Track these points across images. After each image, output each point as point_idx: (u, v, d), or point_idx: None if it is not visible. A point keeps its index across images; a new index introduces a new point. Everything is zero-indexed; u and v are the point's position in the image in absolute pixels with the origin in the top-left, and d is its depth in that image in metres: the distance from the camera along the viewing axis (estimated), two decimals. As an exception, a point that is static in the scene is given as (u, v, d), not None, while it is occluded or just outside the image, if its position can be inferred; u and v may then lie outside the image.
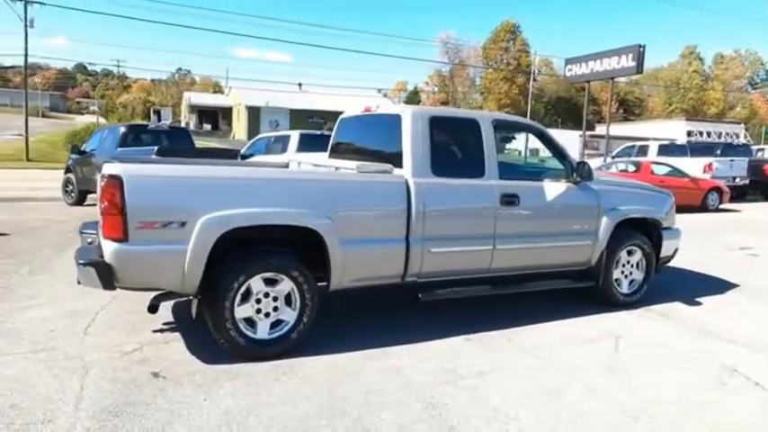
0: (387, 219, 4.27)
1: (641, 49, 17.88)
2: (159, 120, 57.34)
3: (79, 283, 3.71)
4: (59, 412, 3.10)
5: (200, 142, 32.70)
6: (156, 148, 10.35)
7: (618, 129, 50.55)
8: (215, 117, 58.39)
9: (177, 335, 4.34)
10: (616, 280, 5.51)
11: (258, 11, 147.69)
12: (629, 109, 71.87)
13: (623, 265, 5.55)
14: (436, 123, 4.61)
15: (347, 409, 3.28)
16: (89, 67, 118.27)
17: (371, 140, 5.14)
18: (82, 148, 12.58)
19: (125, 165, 3.55)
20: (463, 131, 4.76)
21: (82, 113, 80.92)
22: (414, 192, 4.33)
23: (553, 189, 4.99)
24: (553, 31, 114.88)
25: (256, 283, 3.89)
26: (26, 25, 34.51)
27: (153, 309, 3.95)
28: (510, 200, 4.74)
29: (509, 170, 4.95)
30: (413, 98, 73.18)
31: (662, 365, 4.10)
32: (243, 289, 3.83)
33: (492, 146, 4.77)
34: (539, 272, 5.13)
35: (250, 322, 3.92)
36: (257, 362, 3.86)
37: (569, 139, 29.33)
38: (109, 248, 3.50)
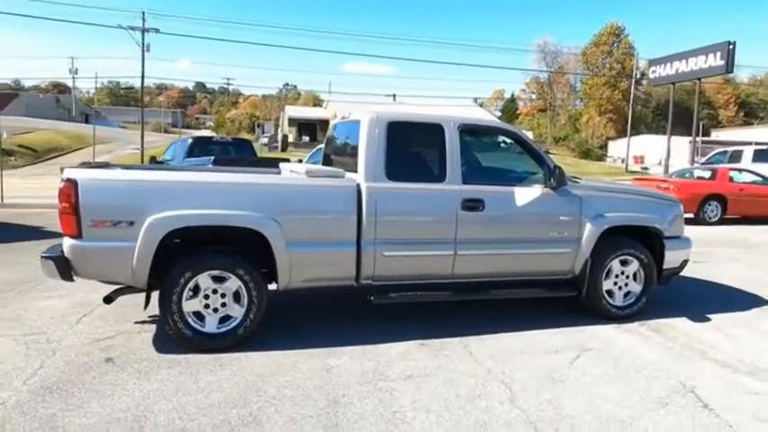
0: (336, 222, 4.40)
1: (731, 47, 16.33)
2: (263, 132, 60.72)
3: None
4: (7, 386, 3.54)
5: (296, 154, 34.47)
6: (212, 157, 11.16)
7: (734, 134, 46.37)
8: (313, 129, 60.86)
9: (154, 326, 4.73)
10: (608, 291, 5.21)
11: (364, 26, 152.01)
12: (753, 112, 65.59)
13: (616, 276, 5.24)
14: (396, 128, 4.67)
15: (253, 400, 3.44)
16: (208, 86, 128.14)
17: (344, 147, 5.29)
18: (159, 159, 13.82)
19: (81, 170, 3.99)
20: (426, 136, 4.77)
21: (199, 128, 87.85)
22: (365, 196, 4.42)
23: (525, 194, 4.85)
24: (660, 33, 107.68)
25: (204, 280, 4.17)
26: (143, 50, 38.28)
27: (108, 300, 4.34)
28: (473, 205, 4.67)
29: (478, 175, 4.88)
30: (510, 106, 71.80)
31: (611, 381, 3.86)
32: (190, 284, 4.13)
33: (456, 150, 4.73)
34: (512, 279, 4.98)
35: (199, 316, 4.21)
36: (207, 353, 4.13)
37: (675, 146, 27.36)
38: (66, 244, 3.94)
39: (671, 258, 5.41)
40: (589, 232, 5.01)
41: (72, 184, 3.88)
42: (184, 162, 11.88)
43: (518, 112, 70.79)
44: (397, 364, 4.06)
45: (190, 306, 4.16)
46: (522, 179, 4.97)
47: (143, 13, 37.94)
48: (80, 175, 3.93)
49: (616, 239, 5.21)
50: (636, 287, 5.30)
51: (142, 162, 34.10)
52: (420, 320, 5.00)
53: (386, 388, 3.67)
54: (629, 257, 5.23)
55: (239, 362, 4.03)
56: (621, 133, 50.35)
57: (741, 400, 3.61)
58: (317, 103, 68.41)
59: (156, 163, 13.50)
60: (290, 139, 58.21)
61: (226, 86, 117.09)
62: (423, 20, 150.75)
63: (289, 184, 4.50)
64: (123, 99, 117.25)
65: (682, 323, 5.17)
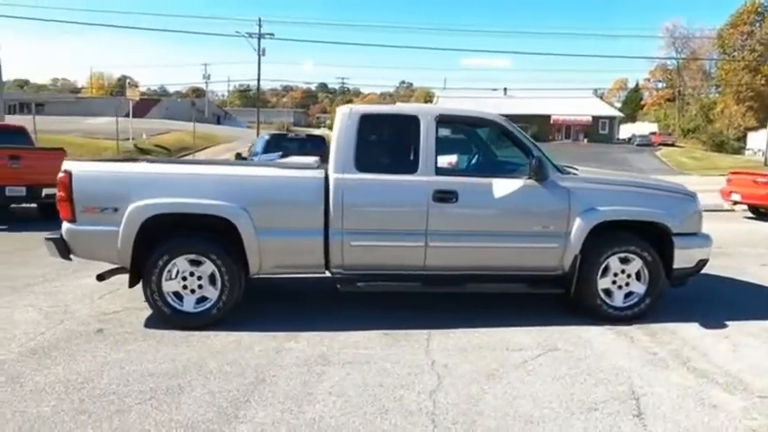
0: (303, 212, 4.58)
1: None
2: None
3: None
4: (5, 347, 4.14)
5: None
6: (280, 153, 11.79)
7: None
8: (422, 125, 61.15)
9: (158, 305, 5.22)
10: (605, 291, 4.89)
11: (481, 21, 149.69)
12: None
13: (615, 275, 4.89)
14: (369, 121, 4.75)
15: (192, 373, 3.73)
16: (330, 86, 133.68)
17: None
18: (244, 155, 14.79)
19: (75, 162, 4.54)
20: (401, 128, 4.80)
21: (318, 127, 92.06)
22: (332, 187, 4.56)
23: (504, 186, 4.70)
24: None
25: (182, 263, 4.56)
26: (259, 55, 40.90)
27: (100, 278, 4.85)
28: (445, 196, 4.62)
29: (455, 166, 4.81)
30: (633, 96, 67.04)
31: (554, 382, 3.67)
32: (169, 267, 4.53)
33: (431, 141, 4.70)
34: (492, 273, 4.85)
35: (179, 296, 4.60)
36: (187, 330, 4.51)
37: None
38: (64, 227, 4.51)
39: (683, 258, 4.94)
40: (578, 227, 4.74)
41: (67, 175, 4.43)
42: (260, 157, 12.66)
43: (642, 102, 65.92)
44: (347, 351, 4.16)
45: (169, 286, 4.56)
46: (504, 171, 4.81)
47: (259, 19, 40.54)
48: (74, 167, 4.47)
49: (614, 235, 4.87)
50: (639, 287, 4.92)
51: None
52: (397, 311, 5.04)
53: (318, 371, 3.80)
54: (631, 255, 4.86)
55: (206, 339, 4.36)
56: (764, 123, 45.06)
57: (689, 412, 3.28)
58: (428, 99, 68.62)
59: (241, 158, 14.49)
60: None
61: (345, 86, 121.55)
62: (541, 12, 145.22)
63: (259, 176, 4.76)
64: (252, 101, 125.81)
65: (686, 329, 4.72)
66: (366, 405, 3.32)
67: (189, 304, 4.61)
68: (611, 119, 55.43)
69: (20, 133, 11.34)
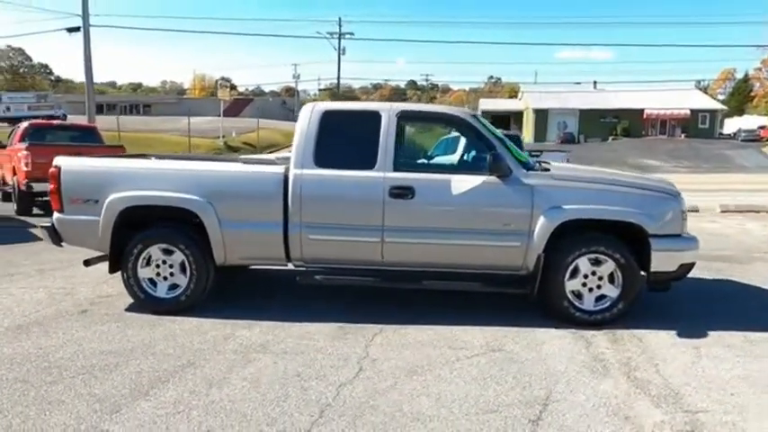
0: (265, 205, 4.76)
1: None
2: (455, 126, 61.17)
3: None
4: (-3, 322, 4.67)
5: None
6: None
7: None
8: (506, 121, 59.90)
9: (151, 291, 5.63)
10: (574, 293, 4.68)
11: (577, 12, 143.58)
12: None
13: (585, 277, 4.67)
14: (331, 117, 4.85)
15: (137, 353, 4.01)
16: (419, 83, 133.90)
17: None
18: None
19: (64, 158, 4.99)
20: (362, 124, 4.83)
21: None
22: (291, 182, 4.71)
23: (463, 183, 4.62)
24: None
25: (155, 252, 4.89)
26: (339, 54, 41.81)
27: (86, 263, 5.28)
28: (401, 192, 4.63)
29: (414, 162, 4.79)
30: (741, 87, 61.59)
31: (472, 383, 3.59)
32: (143, 255, 4.88)
33: (391, 137, 4.72)
34: (452, 271, 4.78)
35: (153, 282, 4.95)
36: (159, 315, 4.84)
37: None
38: (54, 216, 4.99)
39: (662, 261, 4.62)
40: (542, 225, 4.57)
41: (57, 169, 4.90)
42: None
43: (752, 94, 60.40)
44: (290, 341, 4.29)
45: (144, 273, 4.91)
46: (466, 167, 4.73)
47: (339, 19, 41.43)
48: (63, 162, 4.93)
49: (583, 235, 4.64)
50: (612, 291, 4.66)
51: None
52: (363, 305, 5.12)
53: (250, 358, 3.96)
54: (602, 257, 4.61)
55: (171, 323, 4.66)
56: None
57: (593, 423, 3.10)
58: (512, 95, 67.05)
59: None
60: (483, 131, 58.06)
61: (433, 83, 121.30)
62: (641, 1, 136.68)
63: (224, 171, 4.99)
64: (341, 99, 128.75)
65: (657, 336, 4.42)
66: (270, 392, 3.44)
67: (162, 290, 4.94)
68: (713, 112, 51.36)
69: (91, 132, 12.47)
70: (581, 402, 3.32)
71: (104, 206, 4.79)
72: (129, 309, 5.00)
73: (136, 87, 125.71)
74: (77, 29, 19.09)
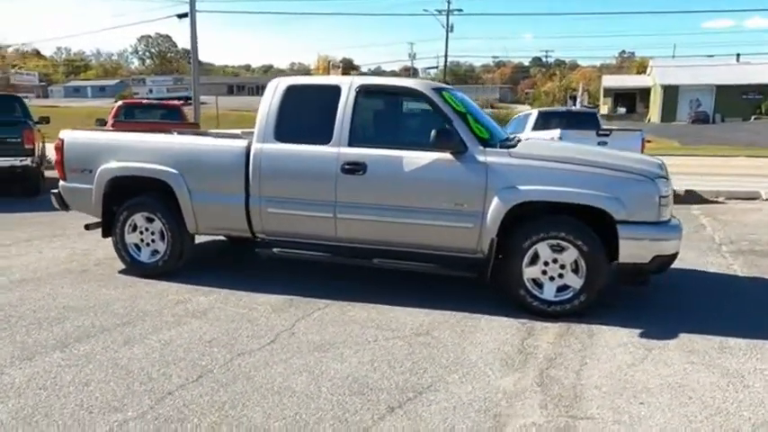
0: (227, 178, 4.91)
1: None
2: (574, 104, 58.43)
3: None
4: (7, 275, 5.30)
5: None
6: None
7: None
8: (632, 99, 55.66)
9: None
10: (534, 281, 4.34)
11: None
12: None
13: (546, 264, 4.31)
14: (294, 92, 4.87)
15: (90, 310, 4.37)
16: (545, 59, 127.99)
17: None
18: None
19: (68, 131, 5.48)
20: (323, 99, 4.78)
21: (523, 103, 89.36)
22: (252, 156, 4.82)
23: (415, 159, 4.44)
24: None
25: (139, 219, 5.26)
26: (447, 31, 41.17)
27: (86, 227, 5.75)
28: (353, 168, 4.55)
29: (370, 138, 4.67)
30: None
31: (367, 365, 3.50)
32: (129, 222, 5.27)
33: (348, 112, 4.65)
34: (404, 250, 4.63)
35: (138, 248, 5.34)
36: (143, 278, 5.23)
37: None
38: (60, 184, 5.53)
39: (631, 251, 4.14)
40: (495, 207, 4.27)
41: (61, 141, 5.42)
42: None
43: None
44: (230, 310, 4.44)
45: (131, 239, 5.31)
46: (422, 143, 4.52)
47: (448, -5, 40.62)
48: (66, 135, 5.44)
49: (544, 219, 4.28)
50: (575, 281, 4.26)
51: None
52: (325, 280, 5.13)
53: (183, 322, 4.16)
54: (564, 243, 4.22)
55: (144, 285, 5.00)
56: None
57: (453, 416, 2.90)
58: (641, 70, 61.81)
59: None
60: (605, 110, 54.60)
61: (562, 60, 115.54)
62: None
63: (194, 144, 5.20)
64: (463, 77, 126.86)
65: (612, 333, 3.99)
66: (170, 355, 3.60)
67: (145, 255, 5.31)
68: None
69: (176, 110, 13.54)
70: (459, 395, 3.11)
71: (96, 176, 5.23)
72: (122, 271, 5.43)
73: (267, 69, 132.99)
74: (186, 15, 20.63)
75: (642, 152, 11.04)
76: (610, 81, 56.67)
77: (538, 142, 5.06)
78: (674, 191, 11.89)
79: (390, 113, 5.01)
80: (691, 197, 11.26)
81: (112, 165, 5.17)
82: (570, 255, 4.23)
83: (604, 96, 55.92)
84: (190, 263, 5.48)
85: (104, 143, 5.35)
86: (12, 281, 5.13)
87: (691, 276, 5.57)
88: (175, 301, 4.63)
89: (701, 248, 6.71)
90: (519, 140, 5.08)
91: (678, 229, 4.27)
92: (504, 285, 4.41)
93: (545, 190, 4.20)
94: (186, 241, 5.21)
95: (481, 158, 4.34)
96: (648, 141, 13.70)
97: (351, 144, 4.61)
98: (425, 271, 4.59)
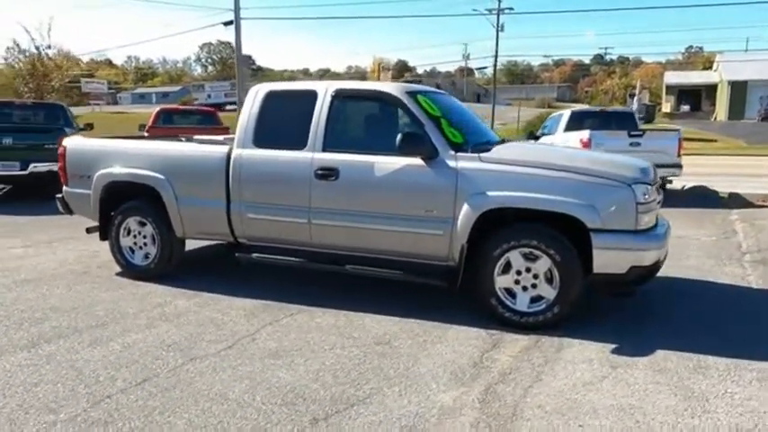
0: (209, 184, 4.99)
1: None
2: (632, 102, 56.27)
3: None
4: (12, 276, 5.57)
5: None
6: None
7: None
8: (696, 97, 52.96)
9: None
10: (506, 290, 4.18)
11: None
12: None
13: (519, 273, 4.13)
14: (273, 97, 4.89)
15: (72, 311, 4.53)
16: (607, 56, 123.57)
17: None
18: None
19: (71, 138, 5.72)
20: (300, 104, 4.77)
21: (581, 102, 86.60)
22: (232, 161, 4.88)
23: (387, 165, 4.37)
24: None
25: (132, 223, 5.43)
26: (497, 31, 40.51)
27: (88, 231, 5.95)
28: (326, 173, 4.52)
29: (345, 143, 4.62)
30: None
31: (305, 373, 3.46)
32: (123, 225, 5.45)
33: (323, 117, 4.63)
34: (376, 257, 4.55)
35: (132, 251, 5.50)
36: (137, 280, 5.39)
37: None
38: (63, 189, 5.78)
39: (606, 261, 3.91)
40: (465, 213, 4.14)
41: (64, 149, 5.66)
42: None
43: None
44: (203, 313, 4.49)
45: (125, 242, 5.49)
46: (393, 148, 4.42)
47: (499, -6, 39.96)
48: (69, 142, 5.68)
49: (515, 226, 4.11)
50: (549, 292, 4.06)
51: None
52: (305, 286, 5.11)
53: (153, 325, 4.24)
54: (537, 252, 4.04)
55: (133, 288, 5.14)
56: None
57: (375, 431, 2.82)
58: (707, 66, 58.62)
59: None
60: (667, 108, 52.22)
61: (626, 56, 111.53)
62: None
63: (179, 150, 5.30)
64: (520, 77, 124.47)
65: (581, 348, 3.78)
66: (127, 357, 3.67)
67: (138, 258, 5.47)
68: None
69: (211, 116, 13.94)
70: (391, 409, 3.01)
71: (94, 181, 5.43)
72: (119, 274, 5.61)
73: (323, 73, 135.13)
74: (231, 22, 21.23)
75: (679, 154, 10.51)
76: (672, 78, 54.08)
77: (517, 145, 4.85)
78: (717, 193, 11.41)
79: (365, 118, 4.95)
80: (734, 200, 10.60)
81: (107, 171, 5.35)
82: (543, 264, 4.04)
83: (667, 94, 53.45)
84: (186, 266, 5.63)
85: (101, 150, 5.55)
86: (15, 281, 5.39)
87: (696, 286, 5.22)
88: (155, 304, 4.73)
89: (722, 256, 6.27)
90: (502, 143, 4.90)
91: (658, 238, 4.00)
92: (477, 295, 4.26)
93: (515, 196, 4.03)
94: (176, 245, 5.32)
95: (452, 163, 4.21)
96: (714, 141, 12.90)
97: (325, 149, 4.58)
98: (396, 278, 4.50)
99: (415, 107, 4.42)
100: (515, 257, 4.10)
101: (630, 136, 10.46)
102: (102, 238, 5.62)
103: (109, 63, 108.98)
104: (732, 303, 4.78)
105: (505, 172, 4.11)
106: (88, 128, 13.07)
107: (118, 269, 5.65)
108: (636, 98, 39.19)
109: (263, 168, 4.78)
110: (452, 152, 4.25)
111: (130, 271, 5.47)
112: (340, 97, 4.67)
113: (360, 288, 5.00)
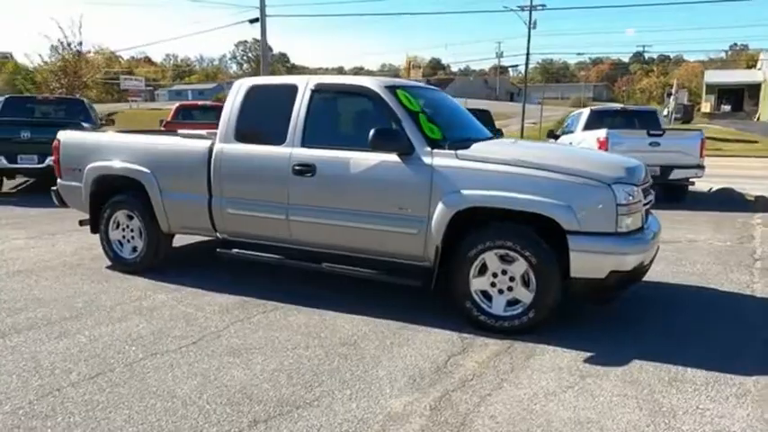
0: (192, 178, 4.96)
1: None
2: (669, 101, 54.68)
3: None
4: (8, 267, 5.67)
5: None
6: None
7: None
8: (739, 96, 51.14)
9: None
10: (482, 293, 4.02)
11: None
12: None
13: (495, 276, 3.97)
14: (255, 92, 4.83)
15: (51, 302, 4.56)
16: (648, 55, 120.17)
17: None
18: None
19: (64, 132, 5.78)
20: (281, 99, 4.68)
21: (617, 101, 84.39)
22: (213, 156, 4.84)
23: (363, 161, 4.26)
24: None
25: (121, 217, 5.45)
26: (529, 28, 39.84)
27: (81, 223, 6.00)
28: (303, 169, 4.44)
29: (324, 138, 4.51)
30: None
31: (261, 372, 3.38)
32: (113, 219, 5.48)
33: (302, 112, 4.54)
34: (352, 255, 4.44)
35: (121, 244, 5.53)
36: (123, 273, 5.42)
37: None
38: (57, 182, 5.85)
39: (583, 264, 3.71)
40: (439, 212, 3.99)
41: (58, 142, 5.73)
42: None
43: None
44: (179, 308, 4.46)
45: (114, 235, 5.52)
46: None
47: (529, -10, 39.23)
48: (62, 136, 5.74)
49: (491, 226, 3.95)
50: (525, 295, 3.89)
51: (521, 135, 35.60)
52: (286, 283, 5.05)
53: (125, 318, 4.24)
54: (512, 253, 3.87)
55: (118, 281, 5.16)
56: None
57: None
58: (751, 64, 56.43)
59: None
60: (707, 108, 50.56)
61: (666, 55, 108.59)
62: None
63: (163, 144, 5.29)
64: (555, 76, 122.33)
65: (553, 356, 3.61)
66: (88, 351, 3.65)
67: (126, 252, 5.49)
68: None
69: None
70: (336, 413, 2.91)
71: (84, 174, 5.47)
72: (110, 267, 5.65)
73: (357, 71, 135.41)
74: (257, 20, 21.40)
75: (702, 154, 10.09)
76: (713, 77, 52.29)
77: (501, 142, 4.64)
78: (743, 196, 10.90)
79: (344, 113, 4.84)
80: (761, 204, 10.14)
81: (97, 164, 5.38)
82: (520, 266, 3.86)
83: (707, 93, 51.73)
84: (179, 261, 5.67)
85: (93, 143, 5.59)
86: (7, 272, 5.47)
87: (693, 294, 4.95)
88: (135, 298, 4.73)
89: (731, 263, 5.95)
90: (489, 140, 4.73)
91: (643, 241, 3.78)
92: (452, 297, 4.11)
93: (489, 195, 3.87)
94: (162, 239, 5.32)
95: (427, 160, 4.07)
96: (755, 142, 12.34)
97: (303, 145, 4.49)
98: (371, 278, 4.38)
99: (393, 101, 4.29)
100: (491, 259, 3.94)
101: (650, 135, 10.08)
102: (93, 231, 5.66)
103: (148, 61, 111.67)
104: (727, 312, 4.50)
105: (481, 170, 3.95)
106: (110, 123, 13.31)
107: (109, 262, 5.69)
108: (672, 97, 37.96)
109: (242, 163, 4.73)
110: (428, 148, 4.11)
111: (119, 264, 5.50)
112: (320, 92, 4.57)
113: (343, 287, 4.89)
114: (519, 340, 3.83)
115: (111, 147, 5.43)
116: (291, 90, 4.64)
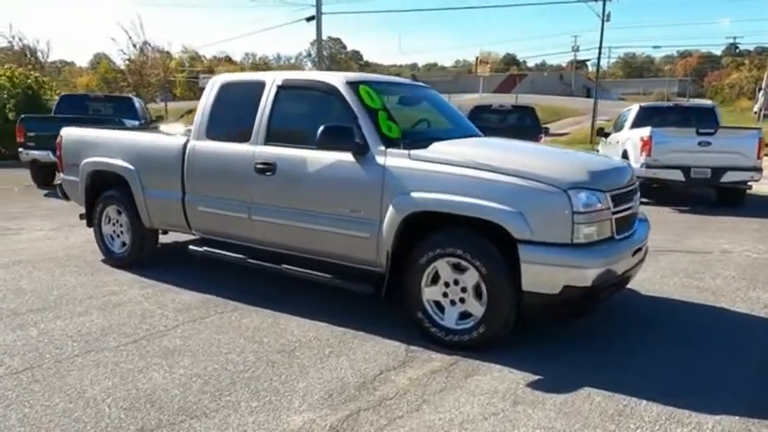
0: (168, 175, 4.95)
1: None
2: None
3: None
4: (8, 257, 5.93)
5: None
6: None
7: None
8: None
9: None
10: (434, 303, 3.75)
11: None
12: None
13: (447, 285, 3.69)
14: (226, 89, 4.77)
15: (34, 293, 4.71)
16: (743, 47, 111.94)
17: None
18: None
19: (66, 128, 5.95)
20: (250, 96, 4.57)
21: (710, 97, 78.91)
22: (186, 153, 4.82)
23: (319, 160, 4.08)
24: None
25: (112, 212, 5.56)
26: (603, 20, 37.95)
27: (81, 217, 6.15)
28: (265, 168, 4.32)
29: (289, 136, 4.37)
30: None
31: (172, 377, 3.28)
32: (105, 213, 5.60)
33: (267, 109, 4.42)
34: (308, 257, 4.27)
35: (112, 238, 5.64)
36: (114, 267, 5.54)
37: None
38: (60, 176, 6.05)
39: (534, 278, 3.35)
40: (390, 216, 3.75)
41: (61, 137, 5.92)
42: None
43: None
44: (142, 305, 4.46)
45: (106, 230, 5.64)
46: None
47: (604, -19, 37.35)
48: (63, 132, 5.92)
49: (442, 233, 3.66)
50: (477, 308, 3.58)
51: (591, 135, 34.19)
52: (258, 284, 4.94)
53: (87, 313, 4.28)
54: (463, 262, 3.57)
55: (103, 275, 5.26)
56: None
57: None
58: None
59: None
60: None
61: (764, 46, 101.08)
62: None
63: (145, 140, 5.31)
64: (638, 70, 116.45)
65: (497, 376, 3.30)
66: (32, 344, 3.69)
67: (116, 246, 5.60)
68: None
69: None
70: (229, 427, 2.75)
71: (80, 169, 5.62)
72: (104, 260, 5.78)
73: (430, 67, 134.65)
74: (313, 18, 21.61)
75: (759, 156, 9.16)
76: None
77: (463, 142, 4.25)
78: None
79: (307, 110, 4.63)
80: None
81: (90, 159, 5.51)
82: (471, 277, 3.56)
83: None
84: (172, 257, 5.76)
85: (89, 139, 5.73)
86: (7, 262, 5.70)
87: (694, 313, 4.42)
88: (108, 292, 4.79)
89: (759, 278, 5.32)
90: (468, 137, 4.41)
91: (608, 252, 3.37)
92: (403, 304, 3.86)
93: (437, 199, 3.57)
94: (146, 235, 5.37)
95: (380, 160, 3.83)
96: None
97: (267, 143, 4.38)
98: (324, 282, 4.18)
99: (352, 98, 4.07)
100: (443, 267, 3.65)
101: (699, 134, 9.25)
102: (89, 224, 5.81)
103: (228, 60, 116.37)
104: (724, 337, 3.95)
105: (433, 171, 3.66)
106: (159, 120, 13.82)
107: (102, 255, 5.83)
108: (762, 92, 35.03)
109: (212, 161, 4.67)
110: (383, 147, 3.87)
111: (109, 258, 5.62)
112: (285, 88, 4.43)
113: (308, 289, 4.70)
114: (467, 357, 3.53)
115: (105, 143, 5.53)
116: (259, 87, 4.53)
